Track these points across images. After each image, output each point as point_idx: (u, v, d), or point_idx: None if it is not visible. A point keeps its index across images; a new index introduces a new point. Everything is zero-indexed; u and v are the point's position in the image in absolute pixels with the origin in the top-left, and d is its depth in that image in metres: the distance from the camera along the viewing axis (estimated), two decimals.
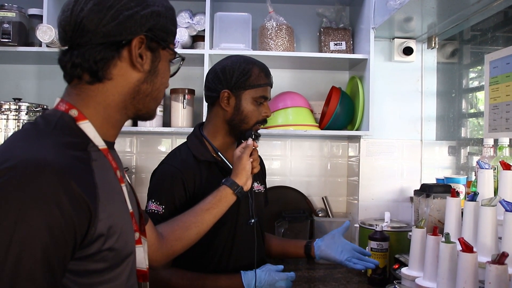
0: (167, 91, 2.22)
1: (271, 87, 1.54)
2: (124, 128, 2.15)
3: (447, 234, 1.27)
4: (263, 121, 1.51)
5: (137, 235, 0.91)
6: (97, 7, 0.80)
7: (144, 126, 2.13)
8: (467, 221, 1.37)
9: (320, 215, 2.36)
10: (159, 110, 2.17)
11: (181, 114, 2.17)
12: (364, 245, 1.99)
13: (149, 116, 0.96)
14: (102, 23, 0.81)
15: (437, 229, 1.38)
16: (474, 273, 1.15)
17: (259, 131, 1.49)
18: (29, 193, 0.67)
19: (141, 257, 0.93)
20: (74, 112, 0.83)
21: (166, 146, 2.43)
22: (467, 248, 1.17)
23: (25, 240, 0.66)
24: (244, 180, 1.33)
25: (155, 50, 0.89)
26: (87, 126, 0.83)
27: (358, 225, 2.13)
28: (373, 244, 1.86)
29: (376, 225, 1.94)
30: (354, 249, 1.62)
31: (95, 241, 0.75)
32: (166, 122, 2.24)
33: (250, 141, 1.37)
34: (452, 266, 1.24)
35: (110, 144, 0.90)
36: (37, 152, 0.72)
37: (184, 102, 2.17)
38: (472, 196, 1.38)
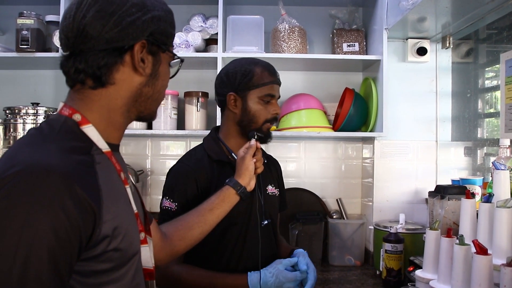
0: (181, 94, 2.25)
1: (279, 85, 1.53)
2: (139, 131, 2.19)
3: (461, 236, 1.25)
4: (273, 120, 1.50)
5: (142, 235, 0.92)
6: (99, 14, 0.81)
7: (159, 129, 2.16)
8: (482, 223, 1.36)
9: (334, 217, 2.35)
10: (173, 113, 2.20)
11: (195, 117, 2.19)
12: (378, 247, 1.98)
13: (151, 117, 0.97)
14: (105, 30, 0.81)
15: (451, 231, 1.37)
16: (488, 276, 1.14)
17: (272, 133, 1.49)
18: (34, 198, 0.68)
19: (147, 256, 0.94)
20: (77, 117, 0.84)
21: (180, 149, 2.45)
22: (481, 250, 1.16)
23: (32, 243, 0.67)
24: (247, 180, 1.34)
25: (156, 53, 0.90)
26: (90, 130, 0.84)
27: (372, 227, 2.12)
28: (387, 246, 1.85)
29: (391, 227, 1.92)
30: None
31: (100, 242, 0.76)
32: (180, 125, 2.26)
33: (253, 141, 1.38)
34: (466, 268, 1.22)
35: (115, 147, 0.91)
36: (42, 158, 0.73)
37: (198, 105, 2.18)
38: (488, 198, 1.37)
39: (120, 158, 0.94)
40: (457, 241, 1.27)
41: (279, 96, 1.54)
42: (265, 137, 1.49)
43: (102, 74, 0.84)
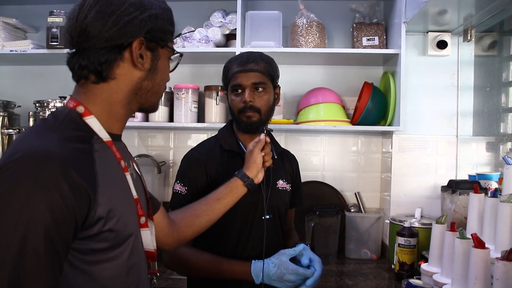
0: (202, 88, 2.31)
1: (252, 71, 1.49)
2: (161, 124, 2.28)
3: (461, 230, 1.25)
4: (244, 109, 1.49)
5: (143, 219, 0.98)
6: (99, 14, 0.88)
7: (179, 122, 2.24)
8: (488, 218, 1.35)
9: (352, 210, 2.36)
10: (193, 107, 2.26)
11: (214, 110, 2.25)
12: (394, 241, 1.98)
13: (152, 109, 1.04)
14: (105, 29, 0.88)
15: (454, 224, 1.36)
16: (485, 270, 1.13)
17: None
18: (33, 181, 0.76)
19: (148, 239, 1.00)
20: (80, 109, 0.91)
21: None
22: (479, 244, 1.15)
23: (29, 222, 0.74)
24: (254, 172, 1.38)
25: (154, 49, 0.96)
26: (92, 121, 0.91)
27: (388, 221, 2.12)
28: (400, 240, 1.85)
29: (405, 221, 1.92)
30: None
31: (95, 223, 0.83)
32: (201, 118, 2.33)
33: (262, 136, 1.42)
34: (466, 262, 1.22)
35: (116, 136, 0.98)
36: (42, 145, 0.80)
37: (217, 99, 2.24)
38: (494, 193, 1.35)
39: (122, 147, 1.01)
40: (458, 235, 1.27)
41: (255, 83, 1.49)
42: (246, 127, 1.51)
43: (103, 69, 0.91)
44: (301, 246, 1.45)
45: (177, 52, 1.03)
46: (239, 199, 1.38)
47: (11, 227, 0.74)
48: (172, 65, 1.04)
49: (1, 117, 2.16)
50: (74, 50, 0.92)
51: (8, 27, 2.30)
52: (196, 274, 1.48)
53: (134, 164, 1.06)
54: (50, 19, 2.16)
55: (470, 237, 1.25)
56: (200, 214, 1.29)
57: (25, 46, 2.22)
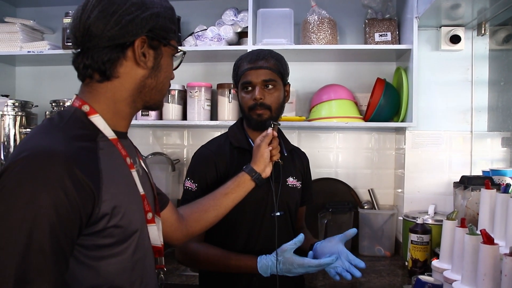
0: (214, 86, 2.33)
1: (262, 68, 1.51)
2: (174, 122, 2.29)
3: (470, 225, 1.24)
4: (254, 107, 1.50)
5: (150, 215, 1.00)
6: (101, 14, 0.90)
7: (193, 120, 2.26)
8: (499, 214, 1.33)
9: (366, 207, 2.35)
10: (206, 105, 2.29)
11: (227, 108, 2.27)
12: (407, 238, 1.97)
13: (157, 106, 1.05)
14: (107, 28, 0.90)
15: (465, 221, 1.35)
16: (494, 266, 1.12)
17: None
18: (38, 179, 0.78)
19: (155, 235, 1.02)
20: (86, 108, 0.93)
21: None
22: (488, 240, 1.14)
23: (35, 218, 0.77)
24: (262, 167, 1.38)
25: (157, 47, 0.98)
26: (97, 119, 0.93)
27: (402, 218, 2.11)
28: (413, 236, 1.84)
29: (418, 217, 1.91)
30: (347, 258, 1.42)
31: (100, 219, 0.85)
32: (214, 116, 2.35)
33: (269, 130, 1.43)
34: (475, 258, 1.21)
35: (122, 134, 1.00)
36: (47, 144, 0.83)
37: (230, 97, 2.26)
38: (505, 188, 1.34)
39: (127, 145, 1.03)
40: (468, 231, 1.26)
41: (266, 80, 1.50)
42: (257, 124, 1.52)
43: (107, 68, 0.93)
44: (301, 236, 1.42)
45: (180, 50, 1.05)
46: (247, 195, 1.38)
47: (17, 224, 0.76)
48: (175, 63, 1.06)
49: (19, 117, 2.22)
50: (79, 50, 0.94)
51: (26, 28, 2.35)
52: (206, 268, 1.50)
53: (140, 161, 1.08)
54: (65, 20, 2.22)
55: (480, 233, 1.24)
56: (208, 209, 1.30)
57: (42, 47, 2.28)
